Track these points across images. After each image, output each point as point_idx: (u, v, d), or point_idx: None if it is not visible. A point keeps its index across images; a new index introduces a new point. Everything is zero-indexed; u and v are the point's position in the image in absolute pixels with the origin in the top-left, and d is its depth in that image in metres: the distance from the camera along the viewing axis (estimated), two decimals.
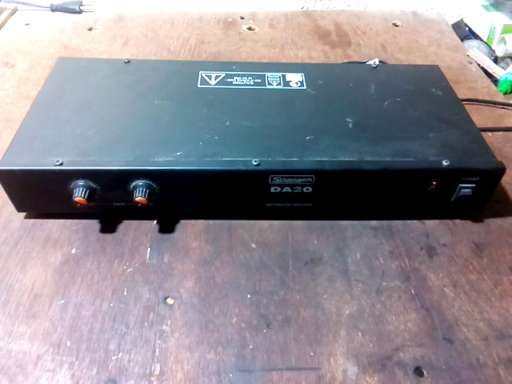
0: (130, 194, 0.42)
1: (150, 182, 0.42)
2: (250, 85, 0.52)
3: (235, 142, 0.44)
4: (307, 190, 0.44)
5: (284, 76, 0.54)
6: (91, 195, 0.42)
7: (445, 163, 0.43)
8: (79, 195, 0.41)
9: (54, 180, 0.42)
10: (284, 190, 0.43)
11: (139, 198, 0.41)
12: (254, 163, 0.42)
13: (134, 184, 0.42)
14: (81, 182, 0.41)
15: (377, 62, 0.65)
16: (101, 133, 0.45)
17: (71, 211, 0.45)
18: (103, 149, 0.43)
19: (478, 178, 0.43)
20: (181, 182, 0.43)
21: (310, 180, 0.43)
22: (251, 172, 0.42)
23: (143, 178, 0.42)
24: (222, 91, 0.51)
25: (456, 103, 0.51)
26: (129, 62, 0.55)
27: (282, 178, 0.42)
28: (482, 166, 0.43)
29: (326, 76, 0.54)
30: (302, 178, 0.43)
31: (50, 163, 0.41)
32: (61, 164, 0.41)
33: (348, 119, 0.48)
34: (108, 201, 0.44)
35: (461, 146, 0.45)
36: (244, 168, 0.42)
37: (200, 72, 0.54)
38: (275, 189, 0.43)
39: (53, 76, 0.53)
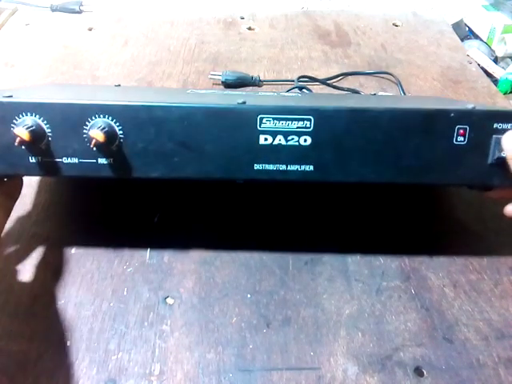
0: (86, 142, 0.35)
1: (111, 122, 0.35)
2: None
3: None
4: (305, 141, 0.36)
5: None
6: (36, 133, 0.34)
7: (469, 106, 0.37)
8: (22, 125, 0.34)
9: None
10: (276, 142, 0.36)
11: (94, 131, 0.34)
12: (239, 101, 0.36)
13: (91, 124, 0.35)
14: (28, 118, 0.35)
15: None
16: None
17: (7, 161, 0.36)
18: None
19: None
20: (149, 123, 0.35)
21: (308, 124, 0.36)
22: (236, 111, 0.35)
23: (103, 116, 0.35)
24: None
25: None
26: (119, 86, 0.52)
27: (274, 120, 0.35)
28: None
29: None
30: (298, 120, 0.35)
31: None
32: (9, 96, 0.35)
33: None
34: (58, 155, 0.36)
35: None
36: (226, 105, 0.35)
37: None
38: (265, 139, 0.36)
39: None
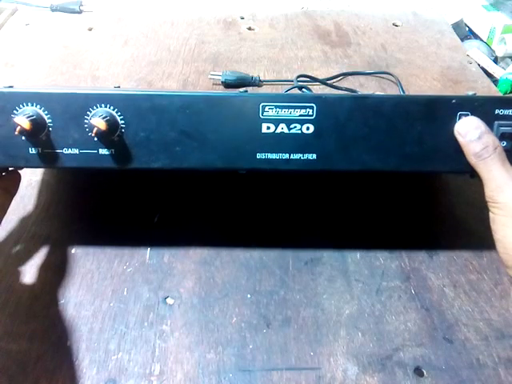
0: (87, 133, 0.35)
1: (113, 111, 0.35)
2: None
3: None
4: (307, 129, 0.36)
5: None
6: (36, 123, 0.34)
7: (470, 93, 0.37)
8: (22, 114, 0.34)
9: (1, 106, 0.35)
10: (279, 130, 0.36)
11: (96, 119, 0.33)
12: (242, 90, 0.36)
13: (92, 113, 0.35)
14: (28, 107, 0.35)
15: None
16: None
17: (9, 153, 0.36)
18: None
19: None
20: (151, 113, 0.35)
21: (311, 112, 0.35)
22: (238, 99, 0.35)
23: (104, 106, 0.35)
24: None
25: None
26: (119, 87, 0.50)
27: (276, 108, 0.35)
28: None
29: None
30: (300, 107, 0.35)
31: None
32: (10, 87, 0.35)
33: None
34: (58, 146, 0.35)
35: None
36: (228, 93, 0.36)
37: None
38: (268, 127, 0.36)
39: None
